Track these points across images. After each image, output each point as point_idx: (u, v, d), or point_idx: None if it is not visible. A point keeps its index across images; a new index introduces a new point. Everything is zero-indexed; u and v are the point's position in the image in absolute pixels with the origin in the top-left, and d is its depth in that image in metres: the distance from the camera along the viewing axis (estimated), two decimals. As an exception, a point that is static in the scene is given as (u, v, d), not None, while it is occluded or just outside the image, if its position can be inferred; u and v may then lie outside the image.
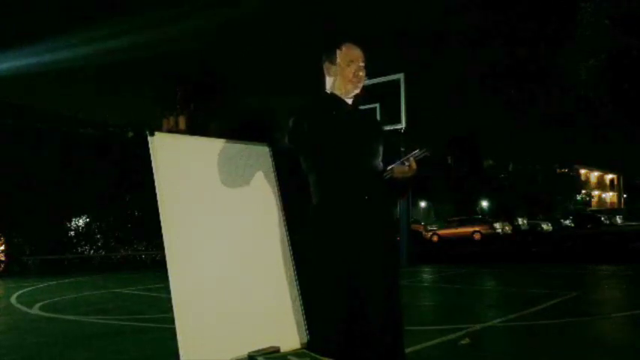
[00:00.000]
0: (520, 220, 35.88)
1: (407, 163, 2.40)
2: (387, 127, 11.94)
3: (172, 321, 2.41)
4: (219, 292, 2.60)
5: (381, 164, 2.52)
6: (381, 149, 2.54)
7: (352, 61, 2.51)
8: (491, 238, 28.34)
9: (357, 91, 2.54)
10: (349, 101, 2.54)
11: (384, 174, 2.44)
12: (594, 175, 67.10)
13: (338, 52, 2.52)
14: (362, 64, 2.53)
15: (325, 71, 2.58)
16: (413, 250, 14.41)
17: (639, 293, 8.39)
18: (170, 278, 2.45)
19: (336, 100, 2.53)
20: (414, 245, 15.28)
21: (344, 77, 2.51)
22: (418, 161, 2.42)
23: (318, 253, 2.40)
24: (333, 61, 2.53)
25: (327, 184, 2.42)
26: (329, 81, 2.57)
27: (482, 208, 45.20)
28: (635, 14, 15.35)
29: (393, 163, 2.44)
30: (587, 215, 46.26)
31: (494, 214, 38.23)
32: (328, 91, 2.57)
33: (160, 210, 2.50)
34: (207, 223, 2.66)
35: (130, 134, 19.85)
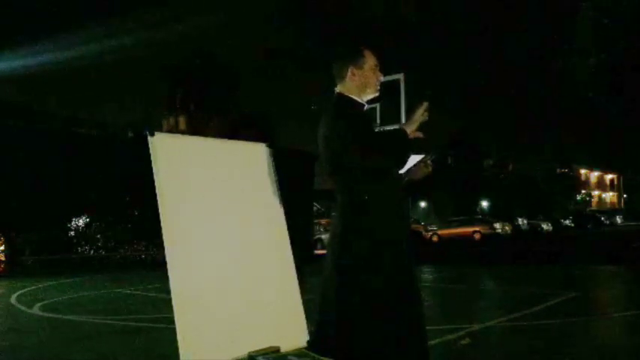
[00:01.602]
0: (520, 220, 35.82)
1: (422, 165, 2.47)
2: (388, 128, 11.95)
3: (172, 321, 2.41)
4: (219, 292, 2.60)
5: None
6: None
7: (377, 66, 2.51)
8: (491, 238, 28.29)
9: (378, 94, 2.53)
10: (366, 106, 2.55)
11: (404, 176, 2.48)
12: (594, 175, 67.09)
13: (363, 57, 2.48)
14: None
15: (346, 75, 2.48)
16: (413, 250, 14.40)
17: (639, 293, 8.39)
18: (170, 278, 2.45)
19: (361, 105, 2.51)
20: (414, 245, 15.25)
21: (369, 82, 2.49)
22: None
23: (358, 255, 2.34)
24: (360, 66, 2.47)
25: (374, 189, 2.36)
26: (349, 85, 2.48)
27: (482, 208, 45.17)
28: (635, 14, 15.35)
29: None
30: (587, 215, 46.23)
31: (494, 214, 38.18)
32: (350, 96, 2.48)
33: (160, 210, 2.50)
34: (207, 223, 2.66)
35: (130, 134, 19.88)
